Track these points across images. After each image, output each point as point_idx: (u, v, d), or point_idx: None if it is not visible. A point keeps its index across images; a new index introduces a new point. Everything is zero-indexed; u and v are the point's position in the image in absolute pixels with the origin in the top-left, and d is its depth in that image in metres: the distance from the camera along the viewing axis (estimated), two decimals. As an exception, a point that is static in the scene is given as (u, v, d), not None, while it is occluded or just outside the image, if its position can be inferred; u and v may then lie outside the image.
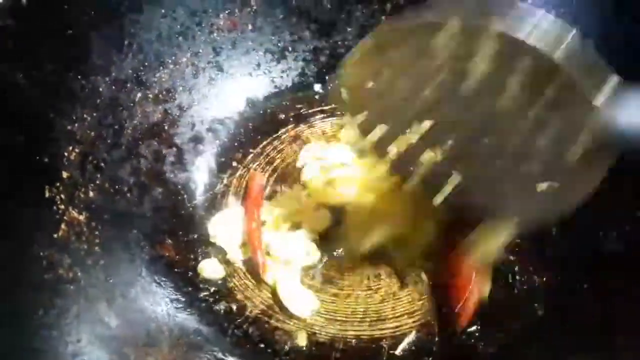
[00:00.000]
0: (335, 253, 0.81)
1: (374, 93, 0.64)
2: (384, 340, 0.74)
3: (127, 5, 0.84)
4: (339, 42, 0.99)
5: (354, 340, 0.74)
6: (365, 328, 0.75)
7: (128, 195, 0.82)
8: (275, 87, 1.00)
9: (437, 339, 0.73)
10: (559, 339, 0.69)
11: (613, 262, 0.71)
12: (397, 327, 0.75)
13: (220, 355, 0.72)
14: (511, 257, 0.78)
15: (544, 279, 0.75)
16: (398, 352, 0.73)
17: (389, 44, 0.60)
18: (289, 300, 0.76)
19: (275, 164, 0.91)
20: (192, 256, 0.82)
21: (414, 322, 0.75)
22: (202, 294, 0.78)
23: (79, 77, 0.79)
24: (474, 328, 0.73)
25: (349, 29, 0.98)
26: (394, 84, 0.62)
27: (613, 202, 0.73)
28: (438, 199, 0.66)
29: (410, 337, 0.74)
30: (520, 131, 0.55)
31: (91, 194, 0.77)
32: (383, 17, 0.96)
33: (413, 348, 0.73)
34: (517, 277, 0.76)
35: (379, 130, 0.67)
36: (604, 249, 0.72)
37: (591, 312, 0.68)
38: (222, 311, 0.77)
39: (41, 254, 0.66)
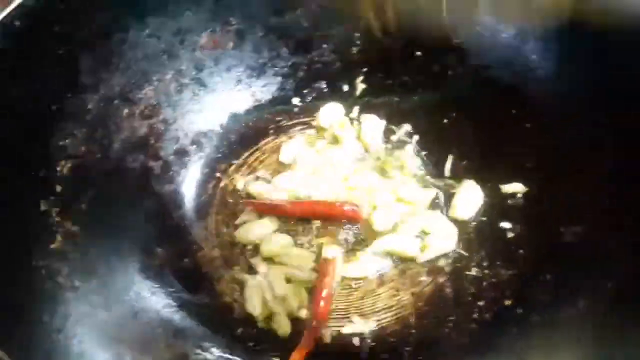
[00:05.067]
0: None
1: None
2: (365, 333, 0.79)
3: (114, 25, 0.88)
4: (316, 58, 1.03)
5: (337, 335, 0.80)
6: (346, 323, 0.80)
7: (118, 206, 0.86)
8: (256, 100, 1.04)
9: (413, 330, 0.79)
10: (526, 327, 0.75)
11: (572, 254, 0.77)
12: (377, 321, 0.80)
13: (213, 352, 0.76)
14: (482, 254, 0.84)
15: (510, 272, 0.81)
16: (379, 343, 0.78)
17: None
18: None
19: (257, 174, 0.96)
20: (181, 263, 0.86)
21: (392, 315, 0.81)
22: (192, 298, 0.83)
23: (70, 95, 0.83)
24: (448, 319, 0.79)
25: (324, 46, 1.03)
26: None
27: (571, 201, 0.80)
28: None
29: (389, 330, 0.79)
30: None
31: (83, 206, 0.81)
32: (356, 34, 1.02)
33: (392, 339, 0.78)
34: (486, 271, 0.82)
35: None
36: (563, 243, 0.78)
37: (554, 301, 0.74)
38: (212, 313, 0.82)
39: (40, 263, 0.70)
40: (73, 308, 0.69)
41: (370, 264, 0.85)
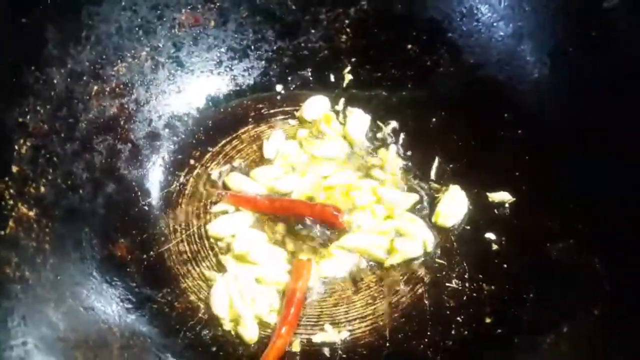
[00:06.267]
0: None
1: None
2: (337, 343, 0.75)
3: (86, -5, 0.82)
4: (302, 44, 0.98)
5: (306, 344, 0.75)
6: (317, 331, 0.76)
7: (81, 191, 0.80)
8: (237, 85, 0.99)
9: (387, 343, 0.74)
10: (505, 346, 0.71)
11: (557, 272, 0.73)
12: (350, 331, 0.76)
13: (171, 358, 0.71)
14: (464, 265, 0.80)
15: (492, 287, 0.77)
16: (350, 355, 0.74)
17: None
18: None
19: (234, 164, 0.91)
20: (144, 256, 0.81)
21: (366, 326, 0.76)
22: (154, 295, 0.77)
23: (33, 68, 0.76)
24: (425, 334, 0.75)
25: (312, 31, 0.98)
26: None
27: (559, 215, 0.77)
28: None
29: (362, 342, 0.75)
30: None
31: (42, 189, 0.75)
32: (347, 21, 0.97)
33: (365, 352, 0.74)
34: (467, 285, 0.78)
35: None
36: (549, 260, 0.75)
37: (536, 323, 0.70)
38: (174, 312, 0.77)
39: (-15, 251, 0.64)
40: (19, 303, 0.62)
41: (341, 261, 0.81)
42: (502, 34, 0.90)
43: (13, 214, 0.69)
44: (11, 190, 0.70)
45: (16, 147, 0.73)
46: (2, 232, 0.67)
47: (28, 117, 0.75)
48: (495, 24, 0.90)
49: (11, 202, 0.70)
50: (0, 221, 0.67)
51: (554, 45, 0.85)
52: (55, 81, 0.80)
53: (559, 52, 0.85)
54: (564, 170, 0.79)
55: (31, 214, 0.72)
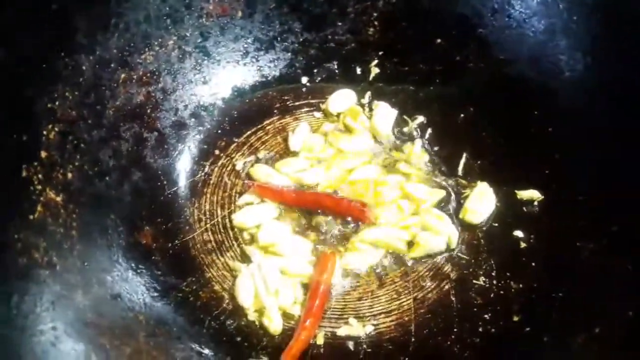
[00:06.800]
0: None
1: None
2: (361, 337, 0.74)
3: (116, -18, 0.82)
4: (329, 36, 0.97)
5: (330, 337, 0.75)
6: (342, 325, 0.75)
7: (107, 178, 0.80)
8: (263, 76, 0.98)
9: (413, 339, 0.74)
10: (533, 344, 0.70)
11: (588, 272, 0.72)
12: (374, 325, 0.75)
13: (196, 347, 0.71)
14: (491, 263, 0.78)
15: (521, 285, 0.76)
16: (375, 350, 0.73)
17: None
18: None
19: (258, 155, 0.90)
20: (169, 244, 0.81)
21: (391, 321, 0.75)
22: (179, 283, 0.77)
23: (63, 54, 0.77)
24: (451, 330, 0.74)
25: (339, 23, 0.97)
26: None
27: (591, 215, 0.75)
28: None
29: (387, 337, 0.74)
30: None
31: (69, 175, 0.75)
32: (374, 14, 0.96)
33: (390, 347, 0.73)
34: (495, 282, 0.77)
35: None
36: (579, 259, 0.73)
37: (566, 323, 0.69)
38: (199, 302, 0.77)
39: (16, 236, 0.64)
40: (47, 288, 0.63)
41: (365, 255, 0.80)
42: (534, 30, 0.88)
43: (41, 198, 0.70)
44: (39, 175, 0.71)
45: (44, 133, 0.73)
46: (31, 217, 0.68)
47: (57, 103, 0.76)
48: (527, 20, 0.88)
49: (39, 187, 0.70)
50: (29, 205, 0.68)
51: (588, 43, 0.83)
52: (83, 68, 0.80)
53: (592, 50, 0.83)
54: (595, 169, 0.78)
55: (58, 199, 0.72)
